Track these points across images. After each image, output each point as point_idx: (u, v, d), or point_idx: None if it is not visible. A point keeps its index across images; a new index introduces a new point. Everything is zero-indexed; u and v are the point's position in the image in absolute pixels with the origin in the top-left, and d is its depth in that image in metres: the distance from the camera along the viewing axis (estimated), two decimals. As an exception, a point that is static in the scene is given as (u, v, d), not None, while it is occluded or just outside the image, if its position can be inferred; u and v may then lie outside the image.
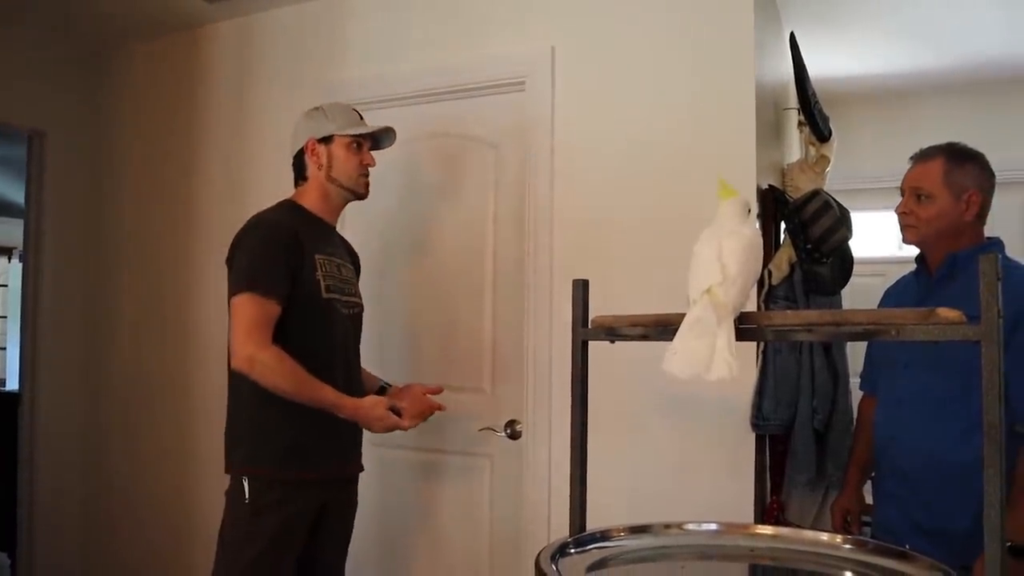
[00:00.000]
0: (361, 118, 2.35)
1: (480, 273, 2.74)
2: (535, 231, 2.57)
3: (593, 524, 1.67)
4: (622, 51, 2.52)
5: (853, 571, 1.53)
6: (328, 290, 2.16)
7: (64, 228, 3.52)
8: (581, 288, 1.68)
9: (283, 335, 2.05)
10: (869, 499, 2.24)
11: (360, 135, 2.28)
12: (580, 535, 1.63)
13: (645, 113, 2.47)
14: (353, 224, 2.93)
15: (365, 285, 2.83)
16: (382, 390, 2.44)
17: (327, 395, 2.05)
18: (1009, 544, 1.73)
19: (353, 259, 2.45)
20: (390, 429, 2.13)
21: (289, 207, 2.26)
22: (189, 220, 3.31)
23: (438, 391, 2.37)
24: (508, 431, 2.61)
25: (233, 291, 2.07)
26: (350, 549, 2.39)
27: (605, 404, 2.23)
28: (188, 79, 3.36)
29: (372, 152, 2.35)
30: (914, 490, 1.96)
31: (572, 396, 1.67)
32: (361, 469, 2.37)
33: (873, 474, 2.21)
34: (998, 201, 2.09)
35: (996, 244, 2.01)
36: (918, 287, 2.08)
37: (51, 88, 3.49)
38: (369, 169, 2.31)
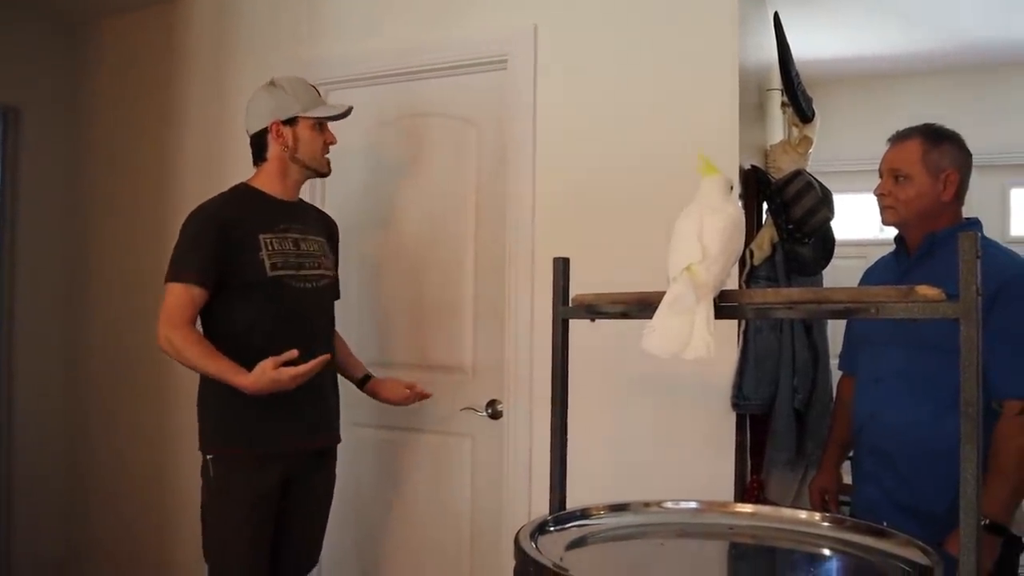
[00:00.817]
0: (318, 93, 2.35)
1: (462, 252, 2.73)
2: (517, 210, 2.56)
3: (574, 503, 1.67)
4: (605, 30, 2.50)
5: (832, 548, 1.53)
6: (275, 267, 2.17)
7: (40, 206, 3.46)
8: (561, 266, 1.67)
9: (231, 316, 2.14)
10: (848, 479, 2.26)
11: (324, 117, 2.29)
12: (559, 513, 1.63)
13: (628, 93, 2.46)
14: (333, 204, 2.91)
15: (346, 265, 2.81)
16: (366, 379, 2.48)
17: (229, 375, 2.04)
18: (985, 523, 1.76)
19: (329, 230, 2.45)
20: (290, 383, 2.03)
21: (240, 191, 2.28)
22: (167, 197, 3.27)
23: (412, 388, 2.47)
24: (489, 411, 2.60)
25: (165, 279, 2.16)
26: (328, 527, 2.38)
27: (587, 383, 2.23)
28: (164, 55, 3.31)
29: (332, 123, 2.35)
30: (893, 469, 1.97)
31: (552, 374, 1.66)
32: (336, 441, 2.39)
33: (852, 453, 2.22)
34: (978, 185, 2.09)
35: (974, 224, 2.02)
36: (897, 267, 2.08)
37: (26, 65, 3.42)
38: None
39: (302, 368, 2.03)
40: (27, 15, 3.40)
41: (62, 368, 3.50)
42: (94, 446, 3.43)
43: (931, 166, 1.97)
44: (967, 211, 2.08)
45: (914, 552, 1.40)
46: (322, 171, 2.32)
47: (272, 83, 2.30)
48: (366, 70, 2.84)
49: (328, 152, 2.32)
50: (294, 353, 2.03)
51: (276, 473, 2.16)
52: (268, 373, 2.00)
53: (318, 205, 2.86)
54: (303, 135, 2.25)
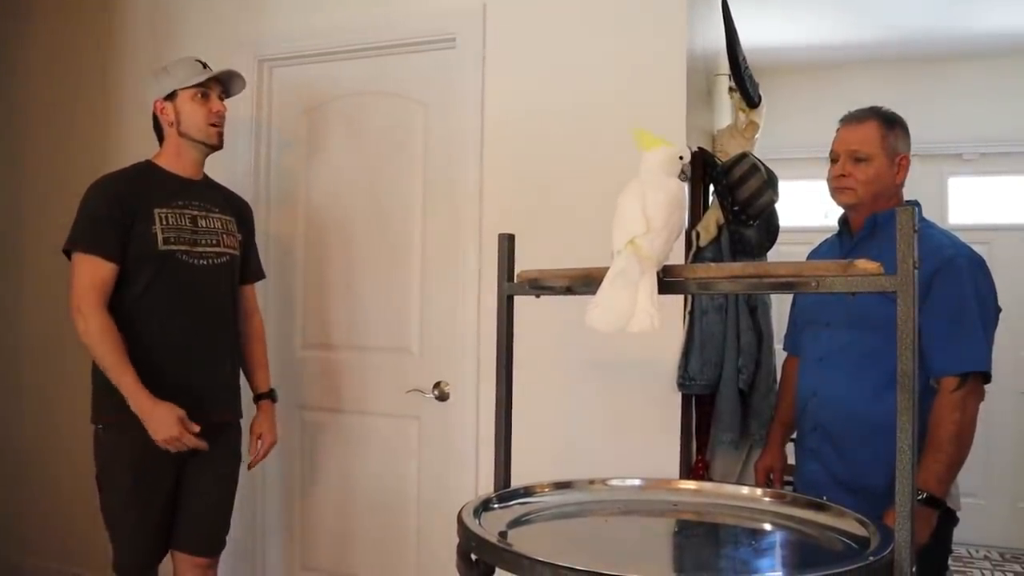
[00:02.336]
0: (205, 67, 2.32)
1: (409, 231, 2.69)
2: (465, 189, 2.54)
3: (520, 483, 1.66)
4: (554, 10, 2.49)
5: (772, 522, 1.55)
6: (167, 242, 2.19)
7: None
8: (507, 242, 1.65)
9: (122, 289, 2.15)
10: (792, 459, 2.29)
11: (201, 84, 2.27)
12: (503, 491, 1.62)
13: (576, 74, 2.45)
14: (277, 183, 2.87)
15: (289, 245, 2.77)
16: (266, 396, 2.45)
17: (128, 385, 2.08)
18: (922, 496, 1.80)
19: (239, 211, 2.43)
20: (174, 442, 2.09)
21: (141, 166, 2.31)
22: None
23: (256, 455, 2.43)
24: (436, 392, 2.58)
25: (65, 247, 2.17)
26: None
27: (534, 364, 2.24)
28: (105, 27, 3.20)
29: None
30: (834, 445, 2.00)
31: (497, 351, 1.65)
32: (233, 417, 2.37)
33: (795, 433, 2.25)
34: (918, 174, 2.13)
35: (914, 205, 2.05)
36: (841, 248, 2.11)
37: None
38: (223, 118, 2.31)
39: (192, 441, 2.10)
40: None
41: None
42: (26, 432, 3.33)
43: (888, 149, 2.00)
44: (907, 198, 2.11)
45: (852, 524, 1.43)
46: (211, 143, 2.31)
47: (161, 68, 2.33)
48: (311, 47, 2.79)
49: (217, 123, 2.30)
50: (196, 428, 2.11)
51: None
52: (171, 421, 2.05)
53: (262, 183, 2.84)
54: (183, 107, 2.26)
